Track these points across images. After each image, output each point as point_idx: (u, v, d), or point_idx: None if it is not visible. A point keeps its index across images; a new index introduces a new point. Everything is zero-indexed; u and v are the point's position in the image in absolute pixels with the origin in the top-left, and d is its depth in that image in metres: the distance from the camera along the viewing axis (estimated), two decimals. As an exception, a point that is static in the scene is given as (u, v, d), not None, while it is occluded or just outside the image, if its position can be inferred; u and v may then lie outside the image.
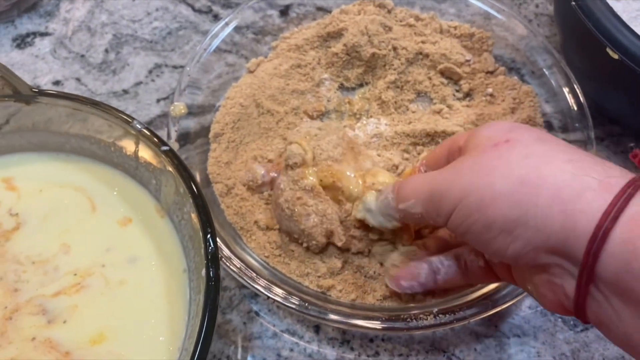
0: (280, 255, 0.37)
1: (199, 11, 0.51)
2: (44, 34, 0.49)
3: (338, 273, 0.36)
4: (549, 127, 0.43)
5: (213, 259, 0.30)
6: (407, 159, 0.41)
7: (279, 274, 0.36)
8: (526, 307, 0.39)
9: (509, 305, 0.35)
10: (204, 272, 0.30)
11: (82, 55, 0.48)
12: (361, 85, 0.45)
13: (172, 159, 0.33)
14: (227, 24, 0.45)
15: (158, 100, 0.46)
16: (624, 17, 0.36)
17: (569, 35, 0.43)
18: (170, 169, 0.33)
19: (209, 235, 0.31)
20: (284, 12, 0.49)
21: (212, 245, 0.30)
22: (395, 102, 0.43)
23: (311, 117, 0.43)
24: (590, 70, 0.42)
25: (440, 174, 0.30)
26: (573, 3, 0.37)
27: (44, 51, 0.48)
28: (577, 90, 0.42)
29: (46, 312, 0.32)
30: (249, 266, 0.35)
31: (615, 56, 0.35)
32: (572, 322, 0.38)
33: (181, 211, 0.34)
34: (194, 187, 0.32)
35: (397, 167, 0.41)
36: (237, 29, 0.46)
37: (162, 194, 0.35)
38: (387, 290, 0.35)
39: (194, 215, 0.32)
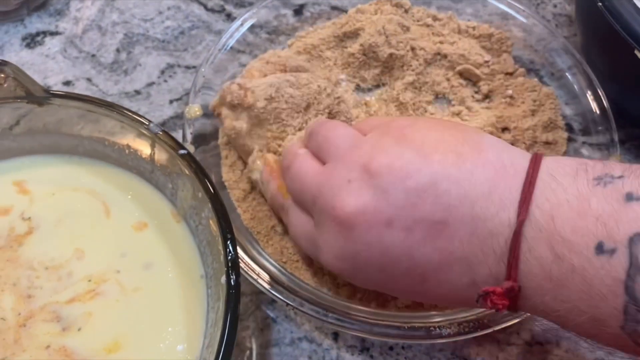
0: (298, 261, 0.36)
1: (211, 10, 0.50)
2: (54, 33, 0.48)
3: (358, 280, 0.35)
4: (569, 129, 0.42)
5: (233, 266, 0.29)
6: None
7: (297, 280, 0.35)
8: (548, 314, 0.38)
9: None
10: (223, 279, 0.29)
11: (93, 55, 0.47)
12: (378, 87, 0.44)
13: (190, 163, 0.32)
14: (241, 24, 0.44)
15: (171, 102, 0.45)
16: (651, 19, 0.35)
17: (592, 36, 0.42)
18: (188, 173, 0.32)
19: (229, 242, 0.30)
20: (298, 11, 0.48)
21: (232, 252, 0.30)
22: (414, 104, 0.43)
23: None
24: (614, 72, 0.41)
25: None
26: (600, 4, 0.36)
27: (54, 51, 0.47)
28: (600, 92, 0.41)
29: (60, 319, 0.32)
30: (266, 272, 0.35)
31: (644, 58, 0.34)
32: (596, 330, 0.37)
33: (198, 216, 0.33)
34: (213, 193, 0.31)
35: None
36: (251, 28, 0.45)
37: (178, 198, 0.35)
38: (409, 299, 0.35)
39: (212, 221, 0.31)
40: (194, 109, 0.40)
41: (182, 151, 0.33)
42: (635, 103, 0.42)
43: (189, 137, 0.39)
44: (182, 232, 0.35)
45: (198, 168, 0.32)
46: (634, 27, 0.34)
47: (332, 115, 0.37)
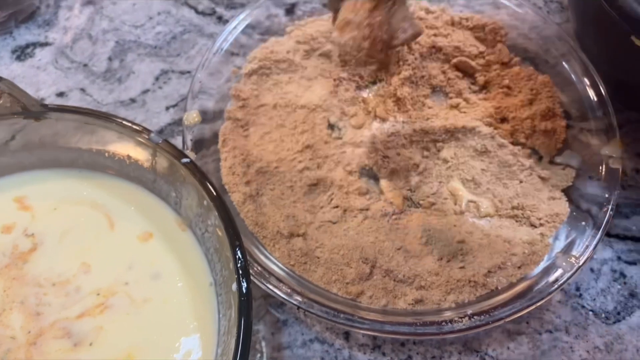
0: (306, 263, 0.36)
1: (202, 13, 0.50)
2: (44, 44, 0.48)
3: (367, 278, 0.35)
4: (567, 116, 0.43)
5: (244, 273, 0.29)
6: (426, 157, 0.41)
7: (305, 282, 0.35)
8: (556, 302, 0.38)
9: (543, 302, 0.34)
10: (234, 286, 0.29)
11: (85, 65, 0.47)
12: (374, 83, 0.44)
13: (193, 171, 0.32)
14: (234, 27, 0.44)
15: (167, 108, 0.45)
16: (646, 3, 0.35)
17: (587, 22, 0.42)
18: (192, 181, 0.32)
19: (237, 249, 0.30)
20: (290, 10, 0.48)
21: (241, 259, 0.29)
22: (412, 98, 0.42)
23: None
24: (609, 57, 0.41)
25: None
26: (594, -10, 0.36)
27: (45, 62, 0.47)
28: (596, 78, 0.42)
29: (71, 335, 0.31)
30: (275, 275, 0.35)
31: (640, 43, 0.34)
32: (604, 315, 0.38)
33: (204, 224, 0.33)
34: (219, 201, 0.31)
35: (417, 166, 0.40)
36: (244, 30, 0.45)
37: (183, 207, 0.34)
38: (419, 294, 0.35)
39: (219, 229, 0.31)
40: (192, 115, 0.39)
41: (185, 160, 0.32)
42: (632, 87, 0.42)
43: (189, 144, 0.38)
44: (188, 241, 0.34)
45: (202, 176, 0.32)
46: (630, 13, 0.34)
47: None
